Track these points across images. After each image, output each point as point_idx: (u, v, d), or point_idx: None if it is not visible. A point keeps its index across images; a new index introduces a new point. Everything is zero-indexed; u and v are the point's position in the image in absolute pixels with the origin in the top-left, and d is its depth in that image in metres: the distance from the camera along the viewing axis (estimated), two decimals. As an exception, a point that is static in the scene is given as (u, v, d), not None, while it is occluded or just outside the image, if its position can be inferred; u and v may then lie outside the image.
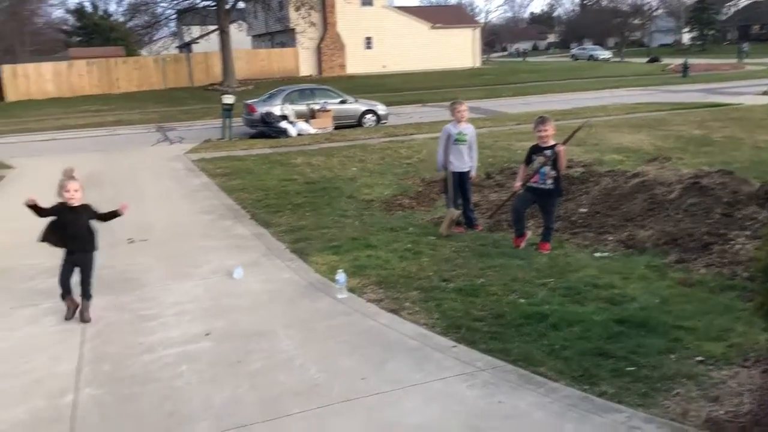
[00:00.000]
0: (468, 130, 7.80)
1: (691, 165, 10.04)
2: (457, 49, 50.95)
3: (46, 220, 5.42)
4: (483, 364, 4.36)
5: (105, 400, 4.15)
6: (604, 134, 14.68)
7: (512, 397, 3.93)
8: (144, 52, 52.91)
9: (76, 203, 5.39)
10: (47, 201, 5.41)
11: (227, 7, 38.69)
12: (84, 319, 5.38)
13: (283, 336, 5.00)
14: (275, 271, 6.62)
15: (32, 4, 55.56)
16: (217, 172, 12.70)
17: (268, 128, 18.46)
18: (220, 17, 37.93)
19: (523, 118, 18.78)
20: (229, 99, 18.74)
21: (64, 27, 63.52)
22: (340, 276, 5.83)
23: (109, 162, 14.85)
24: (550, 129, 6.71)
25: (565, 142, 6.80)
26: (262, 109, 19.05)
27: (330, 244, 7.33)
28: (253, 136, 18.76)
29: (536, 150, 6.78)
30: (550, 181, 6.70)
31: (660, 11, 78.91)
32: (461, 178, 7.80)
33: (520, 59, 75.31)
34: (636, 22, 77.30)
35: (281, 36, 47.84)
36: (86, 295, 5.46)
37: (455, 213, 7.75)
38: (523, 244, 7.00)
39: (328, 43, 46.60)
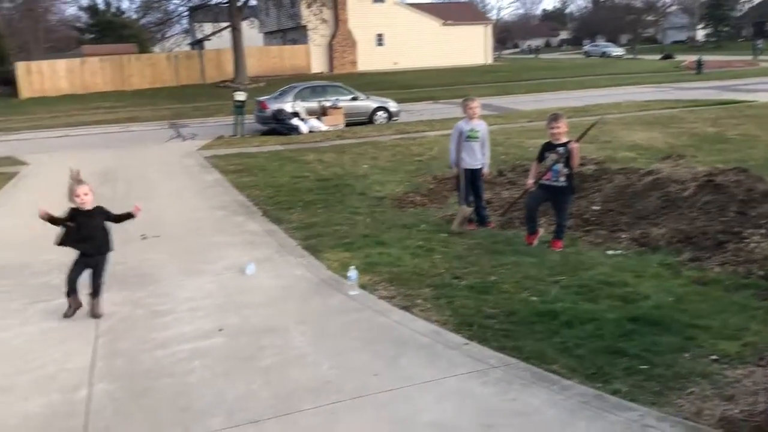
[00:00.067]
0: (480, 126, 7.78)
1: (706, 163, 9.96)
2: (469, 46, 50.80)
3: (61, 216, 5.43)
4: (495, 361, 4.35)
5: (118, 395, 4.17)
6: (617, 132, 14.60)
7: (525, 395, 3.92)
8: (156, 49, 53.16)
9: (88, 206, 5.39)
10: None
11: (239, 4, 38.79)
12: (95, 314, 5.41)
13: (296, 332, 5.02)
14: (287, 268, 6.63)
15: (46, 2, 55.85)
16: (229, 169, 12.74)
17: (279, 125, 18.49)
18: (232, 14, 38.03)
19: (535, 115, 18.72)
20: (240, 96, 18.82)
21: (78, 24, 63.89)
22: (352, 273, 5.83)
23: (122, 158, 14.94)
24: (563, 126, 6.67)
25: (578, 140, 6.77)
26: (273, 106, 19.09)
27: (342, 241, 7.34)
28: (264, 133, 18.81)
29: (549, 147, 6.75)
30: (562, 179, 6.67)
31: (674, 8, 78.29)
32: (473, 175, 7.78)
33: (532, 56, 75.01)
34: (649, 18, 76.70)
35: (293, 33, 47.89)
36: (96, 293, 5.48)
37: (467, 210, 7.73)
38: (535, 242, 6.98)
39: (340, 39, 46.60)
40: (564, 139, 6.66)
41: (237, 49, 38.00)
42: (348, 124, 19.30)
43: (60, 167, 12.70)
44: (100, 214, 5.50)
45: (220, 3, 40.92)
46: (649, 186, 8.33)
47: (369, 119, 20.11)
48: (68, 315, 5.38)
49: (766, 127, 14.71)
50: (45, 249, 6.06)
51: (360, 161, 12.91)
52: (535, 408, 3.78)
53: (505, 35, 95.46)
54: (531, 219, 7.03)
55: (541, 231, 7.15)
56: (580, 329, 4.72)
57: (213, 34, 43.65)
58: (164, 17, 45.67)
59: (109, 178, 12.19)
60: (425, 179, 10.86)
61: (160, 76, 40.82)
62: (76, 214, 5.40)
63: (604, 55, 63.38)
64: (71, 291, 5.42)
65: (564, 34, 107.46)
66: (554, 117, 6.76)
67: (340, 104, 19.75)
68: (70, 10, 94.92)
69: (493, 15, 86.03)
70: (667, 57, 54.06)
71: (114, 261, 5.78)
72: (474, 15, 55.47)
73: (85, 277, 5.46)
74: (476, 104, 7.79)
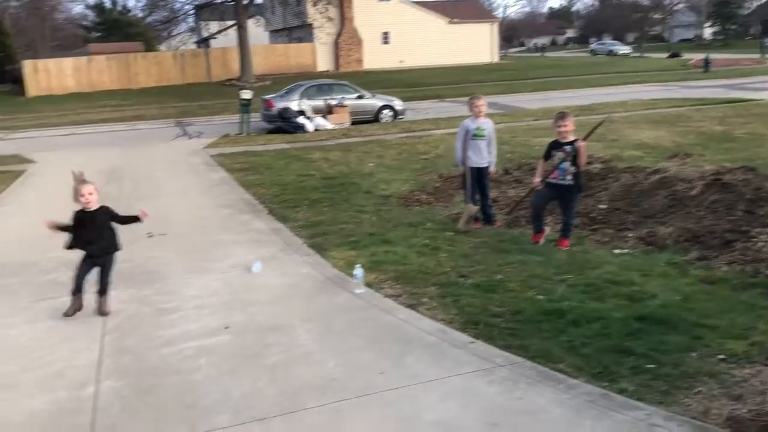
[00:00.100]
0: (487, 125, 7.76)
1: (713, 161, 9.92)
2: (475, 44, 50.70)
3: (68, 223, 5.41)
4: (501, 360, 4.34)
5: (125, 392, 4.19)
6: (624, 130, 14.56)
7: (531, 393, 3.91)
8: (163, 47, 53.31)
9: (93, 206, 5.36)
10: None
11: (245, 2, 38.81)
12: (102, 312, 5.43)
13: (302, 330, 5.02)
14: (293, 266, 6.64)
15: (52, 0, 56.09)
16: (235, 167, 12.76)
17: (285, 123, 18.51)
18: (238, 12, 38.07)
19: (541, 113, 18.68)
20: (246, 94, 18.85)
21: (84, 23, 64.16)
22: (358, 271, 5.83)
23: (129, 157, 14.99)
24: (570, 124, 6.65)
25: (585, 138, 6.75)
26: (279, 105, 19.12)
27: (347, 240, 7.34)
28: (270, 132, 18.83)
29: (556, 145, 6.73)
30: (569, 177, 6.65)
31: (681, 6, 77.92)
32: (479, 173, 7.77)
33: (538, 54, 74.83)
34: (656, 16, 76.35)
35: (298, 31, 47.91)
36: (104, 291, 5.49)
37: (473, 209, 7.72)
38: (542, 240, 6.96)
39: (346, 38, 46.60)
40: (571, 138, 6.63)
41: (243, 47, 38.05)
42: (354, 123, 19.31)
43: (67, 165, 12.77)
44: (106, 213, 5.47)
45: (225, 1, 41.01)
46: (656, 185, 8.30)
47: (375, 118, 20.12)
48: (68, 314, 5.37)
49: (773, 126, 14.64)
50: (52, 247, 6.08)
51: (366, 160, 12.91)
52: (541, 407, 3.77)
53: (511, 33, 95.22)
54: (537, 217, 7.01)
55: (547, 230, 7.14)
56: (587, 328, 4.70)
57: (219, 32, 43.69)
58: (170, 15, 45.79)
59: (115, 176, 12.23)
60: (431, 178, 10.85)
61: (166, 75, 40.93)
62: (81, 216, 5.38)
63: (610, 53, 63.20)
64: (76, 290, 5.41)
65: (570, 33, 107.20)
66: (561, 115, 6.74)
67: (346, 102, 19.77)
68: (77, 9, 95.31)
69: (499, 13, 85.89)
70: (674, 55, 53.84)
71: (121, 259, 5.79)
72: (480, 13, 55.34)
73: (93, 275, 5.47)
74: (482, 102, 7.78)
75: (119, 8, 60.85)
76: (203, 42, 49.95)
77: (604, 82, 31.67)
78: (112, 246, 5.51)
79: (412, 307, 5.36)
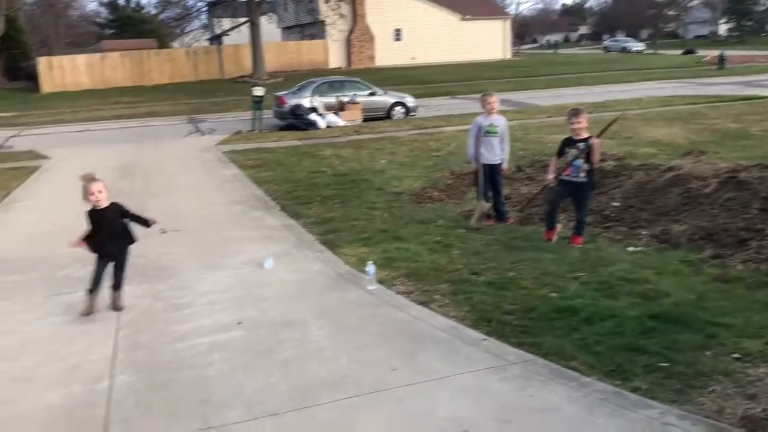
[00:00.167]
0: (499, 121, 7.74)
1: (728, 159, 9.83)
2: (488, 41, 50.51)
3: (87, 230, 5.40)
4: (514, 357, 4.33)
5: (139, 386, 4.22)
6: (638, 127, 14.46)
7: (544, 391, 3.90)
8: (175, 44, 53.58)
9: (104, 204, 5.35)
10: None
11: (258, -1, 38.90)
12: (116, 307, 5.47)
13: (314, 326, 5.03)
14: (305, 262, 6.65)
15: (67, -3, 56.46)
16: (247, 164, 12.79)
17: (297, 120, 18.54)
18: (251, 9, 38.15)
19: (554, 110, 18.58)
20: (259, 91, 18.87)
21: (98, 20, 64.56)
22: (370, 268, 5.84)
23: (142, 153, 15.06)
24: (583, 121, 6.62)
25: (599, 135, 6.71)
26: (291, 102, 19.14)
27: (359, 236, 7.35)
28: (282, 128, 18.86)
29: (569, 142, 6.70)
30: (583, 174, 6.61)
31: (695, 2, 77.29)
32: (492, 170, 7.75)
33: (551, 51, 74.44)
34: (671, 13, 75.78)
35: (311, 28, 47.94)
36: (118, 286, 5.52)
37: (486, 206, 7.71)
38: (554, 237, 6.94)
39: (358, 34, 46.57)
40: (585, 135, 6.60)
41: (255, 44, 38.13)
42: (365, 120, 19.30)
43: (81, 161, 12.87)
44: (117, 210, 5.45)
45: (238, -2, 41.10)
46: (669, 182, 8.25)
47: (387, 114, 20.09)
48: (86, 313, 5.36)
49: (790, 123, 14.49)
50: (66, 243, 6.11)
51: (377, 156, 12.91)
52: (554, 404, 3.76)
53: (523, 30, 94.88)
54: (551, 214, 6.99)
55: (559, 226, 7.11)
56: (600, 326, 4.69)
57: (231, 29, 43.84)
58: (183, 12, 46.09)
59: (128, 172, 12.30)
60: (443, 174, 10.83)
61: (179, 72, 41.09)
62: (94, 215, 5.36)
63: (624, 50, 62.78)
64: (94, 288, 5.41)
65: (583, 29, 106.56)
66: (575, 112, 6.71)
67: (358, 99, 19.76)
68: (91, 6, 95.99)
69: (512, 10, 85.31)
70: (688, 52, 53.35)
71: (134, 254, 5.83)
72: (493, 9, 55.09)
73: (107, 269, 5.50)
74: (495, 99, 7.76)
75: (132, 5, 61.21)
76: (216, 39, 50.15)
77: (617, 79, 31.47)
78: (128, 239, 5.53)
79: (424, 304, 5.36)
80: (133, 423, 3.80)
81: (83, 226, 5.42)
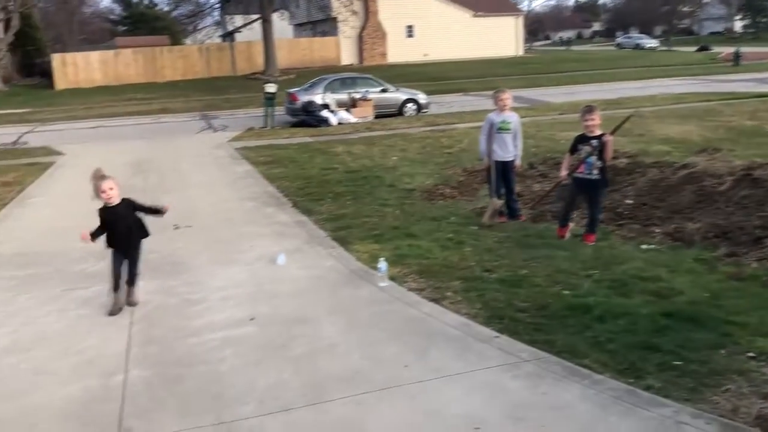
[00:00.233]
0: (512, 118, 7.71)
1: (743, 156, 9.74)
2: (500, 38, 50.36)
3: (98, 227, 5.41)
4: (527, 355, 4.33)
5: (153, 381, 4.25)
6: (651, 124, 14.36)
7: (556, 389, 3.89)
8: (188, 41, 53.76)
9: (115, 201, 5.34)
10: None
11: (270, -4, 38.92)
12: (131, 302, 5.50)
13: (326, 322, 5.05)
14: (317, 259, 6.67)
15: (81, -6, 56.80)
16: (259, 160, 12.83)
17: (309, 117, 18.55)
18: (263, 6, 38.17)
19: (566, 107, 18.49)
20: (271, 88, 18.90)
21: (111, 16, 64.92)
22: (382, 264, 5.84)
23: (155, 149, 15.14)
24: (597, 118, 6.58)
25: (613, 132, 6.67)
26: (303, 98, 19.16)
27: (371, 233, 7.35)
28: (294, 125, 18.89)
29: (582, 139, 6.66)
30: (596, 172, 6.58)
31: (710, -2, 76.67)
32: (505, 167, 7.72)
33: (563, 48, 74.04)
34: (685, 9, 75.12)
35: (323, 25, 47.97)
36: (132, 281, 5.55)
37: (498, 203, 7.69)
38: (567, 235, 6.92)
39: (370, 31, 46.55)
40: (598, 132, 6.56)
41: (267, 41, 38.17)
42: (377, 116, 19.29)
43: (94, 158, 12.95)
44: (129, 205, 5.45)
45: (251, -5, 41.14)
46: (683, 180, 8.19)
47: (398, 111, 20.07)
48: (114, 313, 5.35)
49: (806, 121, 14.34)
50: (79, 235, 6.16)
51: (389, 153, 12.90)
52: (567, 402, 3.76)
53: (536, 27, 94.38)
54: (566, 213, 6.96)
55: (572, 224, 7.08)
56: (613, 324, 4.67)
57: (244, 26, 43.92)
58: (196, 9, 46.22)
59: (141, 169, 12.37)
60: (455, 171, 10.81)
61: (192, 68, 41.26)
62: (105, 212, 5.36)
63: (637, 47, 62.30)
64: (116, 286, 5.43)
65: (596, 26, 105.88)
66: (588, 109, 6.67)
67: (370, 96, 19.74)
68: (104, 3, 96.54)
69: (524, 6, 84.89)
70: (703, 49, 52.88)
71: (147, 250, 5.87)
72: (505, 6, 54.87)
73: (125, 265, 5.53)
74: (507, 96, 7.73)
75: (145, 2, 61.47)
76: (228, 36, 50.22)
77: (631, 76, 31.25)
78: (142, 233, 5.55)
79: (436, 300, 5.36)
80: (147, 417, 3.83)
81: (96, 221, 5.45)
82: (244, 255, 6.87)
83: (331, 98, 19.28)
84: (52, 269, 6.62)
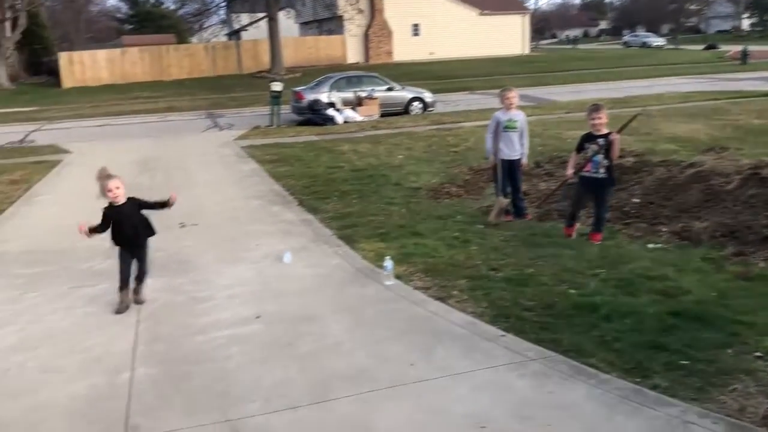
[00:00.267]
0: (519, 117, 7.70)
1: (751, 155, 9.69)
2: (506, 36, 50.25)
3: (98, 223, 5.39)
4: (533, 354, 4.32)
5: (159, 378, 4.26)
6: (658, 123, 14.30)
7: (563, 388, 3.88)
8: (194, 39, 53.86)
9: (122, 200, 5.33)
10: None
11: (276, -6, 38.95)
12: (138, 300, 5.52)
13: (332, 320, 5.05)
14: (323, 257, 6.67)
15: (87, -7, 56.96)
16: (265, 159, 12.84)
17: (315, 115, 18.56)
18: (269, 4, 38.20)
19: (573, 106, 18.46)
20: (277, 86, 18.93)
21: (118, 15, 65.12)
22: (388, 263, 5.84)
23: (161, 148, 15.17)
24: (603, 117, 6.56)
25: (620, 131, 6.65)
26: (309, 97, 19.17)
27: (377, 232, 7.35)
28: (300, 123, 18.90)
29: (589, 138, 6.65)
30: (602, 170, 6.56)
31: (718, -4, 76.30)
32: (511, 166, 7.71)
33: (570, 46, 73.83)
34: (692, 7, 74.77)
35: (329, 23, 47.97)
36: (141, 278, 5.56)
37: (504, 201, 7.67)
38: (574, 234, 6.90)
39: (376, 30, 46.51)
40: (605, 131, 6.55)
41: (273, 39, 38.22)
42: (383, 115, 19.29)
43: (101, 156, 12.98)
44: (134, 204, 5.44)
45: (257, -7, 41.16)
46: (691, 179, 8.16)
47: (404, 110, 20.06)
48: (121, 311, 5.36)
49: (814, 120, 14.26)
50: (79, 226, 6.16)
51: (395, 152, 12.90)
52: (573, 401, 3.75)
53: (542, 25, 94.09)
54: (573, 213, 6.94)
55: (578, 224, 7.06)
56: (620, 323, 4.65)
57: (250, 24, 43.97)
58: (202, 8, 46.26)
59: (148, 167, 12.40)
60: (461, 170, 10.79)
61: (198, 67, 41.34)
62: (110, 211, 5.34)
63: (644, 45, 62.05)
64: (124, 285, 5.43)
65: (603, 24, 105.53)
66: (595, 108, 6.65)
67: (376, 95, 19.74)
68: (111, 1, 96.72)
69: (530, 4, 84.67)
70: (710, 47, 52.69)
71: (154, 248, 5.88)
72: (511, 4, 54.71)
73: (133, 263, 5.53)
74: (513, 94, 7.72)
75: (152, 1, 61.62)
76: (234, 34, 50.33)
77: (638, 75, 31.14)
78: (149, 232, 5.55)
79: (442, 299, 5.36)
80: (153, 415, 3.84)
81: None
82: (250, 253, 6.88)
83: (336, 97, 19.28)
84: (59, 267, 6.64)
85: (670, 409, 3.60)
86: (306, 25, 53.19)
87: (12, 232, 8.24)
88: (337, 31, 46.10)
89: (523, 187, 8.29)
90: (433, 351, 4.45)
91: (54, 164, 13.18)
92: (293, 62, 40.70)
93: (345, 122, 18.20)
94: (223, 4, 46.89)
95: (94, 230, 5.37)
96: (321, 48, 44.88)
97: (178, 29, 53.05)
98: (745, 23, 71.92)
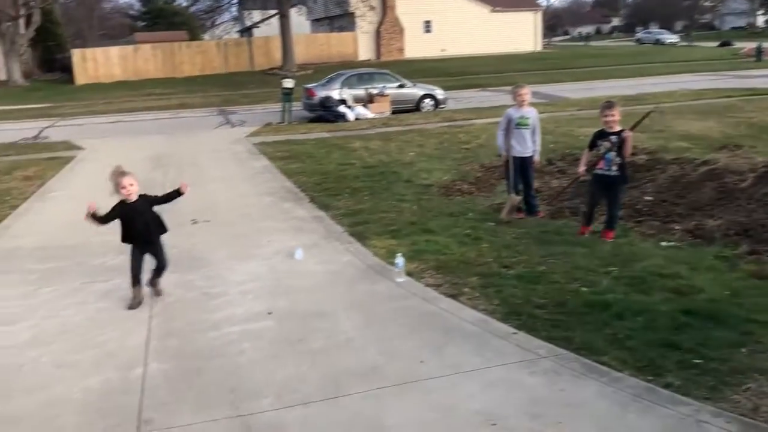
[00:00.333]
0: (531, 113, 7.68)
1: (764, 153, 9.61)
2: (518, 33, 50.04)
3: (105, 213, 5.37)
4: (545, 351, 4.31)
5: (172, 373, 4.29)
6: (670, 121, 14.17)
7: (575, 386, 3.87)
8: (206, 36, 54.04)
9: (134, 197, 5.32)
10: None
11: (288, -9, 39.00)
12: (157, 292, 5.56)
13: (343, 317, 5.06)
14: (335, 254, 6.68)
15: (101, -10, 57.30)
16: (277, 156, 12.87)
17: (326, 112, 18.57)
18: (281, 1, 38.28)
19: (585, 103, 18.36)
20: (288, 83, 18.96)
21: (130, 12, 65.43)
22: (399, 260, 5.84)
23: (174, 144, 15.24)
24: (616, 114, 6.53)
25: (632, 128, 6.62)
26: (321, 94, 19.19)
27: (388, 228, 7.35)
28: (311, 120, 18.91)
29: (602, 135, 6.62)
30: (615, 168, 6.53)
31: (732, -8, 75.60)
32: (523, 163, 7.69)
33: (582, 43, 73.40)
34: (706, 4, 74.16)
35: (340, 20, 47.96)
36: (159, 273, 5.57)
37: (516, 199, 7.66)
38: (587, 232, 6.87)
39: (387, 26, 46.45)
40: (617, 128, 6.51)
41: (285, 36, 38.27)
42: (394, 112, 19.27)
43: (114, 152, 13.08)
44: (146, 201, 5.44)
45: (268, -10, 41.25)
46: (704, 176, 8.12)
47: (416, 107, 20.04)
48: (133, 307, 5.38)
49: (830, 117, 14.11)
50: (101, 231, 6.20)
51: (406, 149, 12.89)
52: (585, 399, 3.74)
53: (555, 22, 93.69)
54: (590, 213, 6.91)
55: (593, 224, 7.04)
56: (632, 321, 4.63)
57: (261, 21, 44.12)
58: (214, 5, 46.46)
59: (160, 163, 12.46)
60: (472, 167, 10.78)
61: (210, 64, 41.48)
62: (123, 208, 5.34)
63: (657, 42, 61.58)
64: (136, 281, 5.45)
65: (616, 21, 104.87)
66: (608, 105, 6.62)
67: (387, 92, 19.73)
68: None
69: (543, 1, 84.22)
70: (724, 44, 52.18)
71: (166, 244, 5.88)
72: (524, 1, 54.39)
73: (146, 259, 5.54)
74: (526, 91, 7.69)
75: (164, -2, 61.83)
76: (246, 31, 50.48)
77: (650, 72, 30.92)
78: (161, 229, 5.57)
79: (453, 296, 5.35)
80: (166, 410, 3.86)
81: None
82: (262, 250, 6.90)
83: (348, 94, 19.28)
84: (73, 262, 6.70)
85: (683, 407, 3.58)
86: (317, 22, 53.20)
87: (26, 228, 8.31)
88: (349, 28, 46.10)
89: (535, 184, 8.27)
90: (444, 348, 4.45)
91: (67, 160, 13.27)
92: (305, 59, 40.74)
93: (356, 119, 18.20)
94: (235, 1, 47.13)
95: (96, 218, 5.30)
96: (332, 45, 44.90)
97: (191, 26, 53.22)
98: (760, 20, 71.23)
